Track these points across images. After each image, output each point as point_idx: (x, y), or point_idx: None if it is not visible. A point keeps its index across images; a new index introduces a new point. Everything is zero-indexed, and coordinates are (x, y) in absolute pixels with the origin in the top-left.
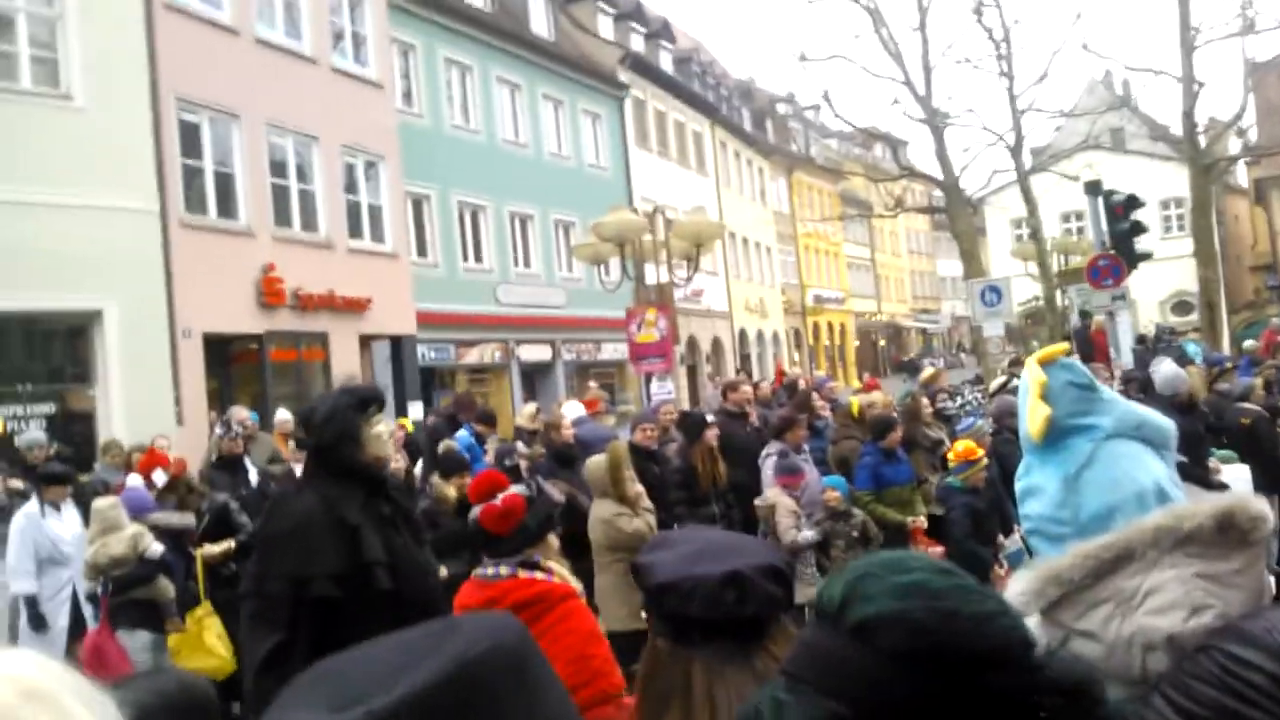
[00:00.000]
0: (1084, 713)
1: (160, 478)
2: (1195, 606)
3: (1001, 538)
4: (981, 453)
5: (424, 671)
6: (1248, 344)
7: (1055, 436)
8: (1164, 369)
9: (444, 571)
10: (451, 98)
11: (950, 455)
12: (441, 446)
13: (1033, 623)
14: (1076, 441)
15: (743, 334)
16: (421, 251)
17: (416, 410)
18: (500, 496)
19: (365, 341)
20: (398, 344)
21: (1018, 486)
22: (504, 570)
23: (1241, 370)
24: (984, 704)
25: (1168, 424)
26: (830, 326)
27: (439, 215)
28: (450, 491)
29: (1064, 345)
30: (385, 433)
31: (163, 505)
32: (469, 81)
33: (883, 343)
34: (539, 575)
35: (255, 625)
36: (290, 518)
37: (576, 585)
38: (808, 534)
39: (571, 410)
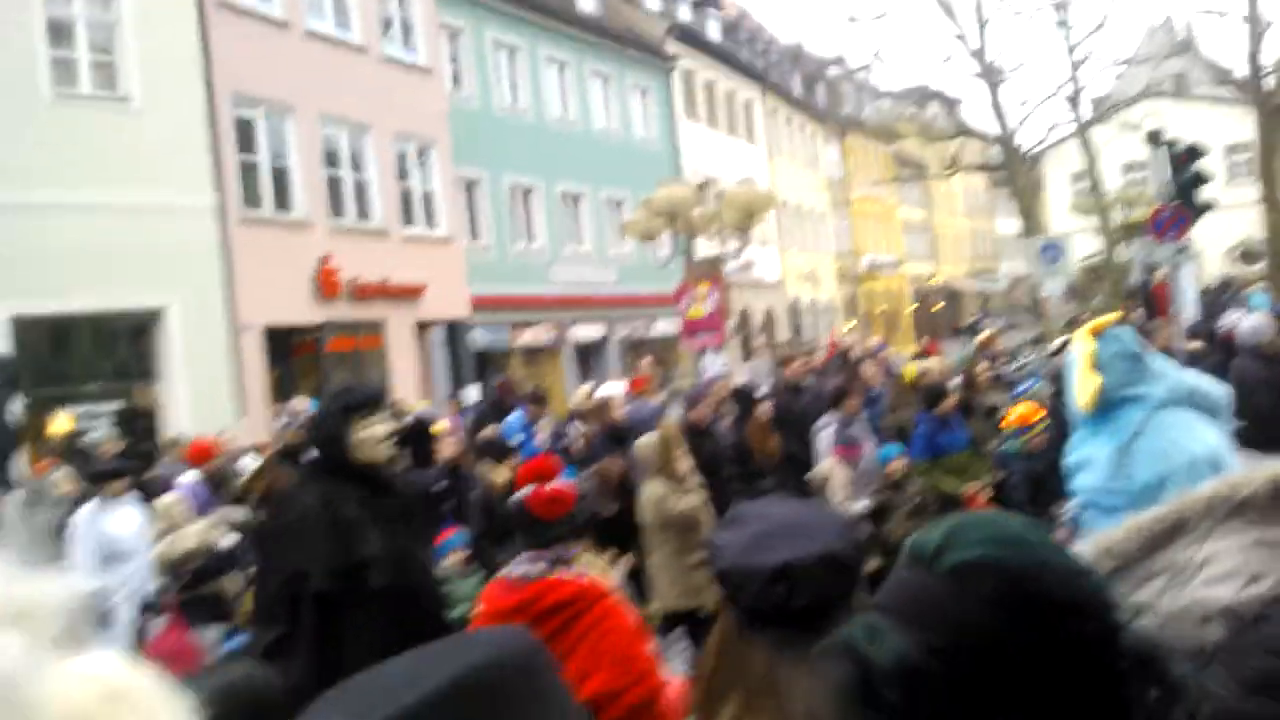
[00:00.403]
0: (1155, 677)
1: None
2: (1252, 575)
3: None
4: (1040, 415)
5: (435, 679)
6: None
7: (1106, 407)
8: (1251, 318)
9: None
10: (500, 79)
11: (1006, 419)
12: (482, 433)
13: None
14: (1127, 412)
15: (796, 304)
16: (474, 235)
17: (472, 395)
18: (550, 484)
19: (421, 327)
20: (453, 329)
21: (1069, 460)
22: (535, 570)
23: None
24: (1065, 652)
25: (1219, 391)
26: (886, 291)
27: (490, 197)
28: (501, 476)
29: (1114, 315)
30: (382, 433)
31: (220, 499)
32: (517, 62)
33: (940, 306)
34: (572, 574)
35: (257, 619)
36: (289, 515)
37: (612, 581)
38: (860, 503)
39: (612, 390)
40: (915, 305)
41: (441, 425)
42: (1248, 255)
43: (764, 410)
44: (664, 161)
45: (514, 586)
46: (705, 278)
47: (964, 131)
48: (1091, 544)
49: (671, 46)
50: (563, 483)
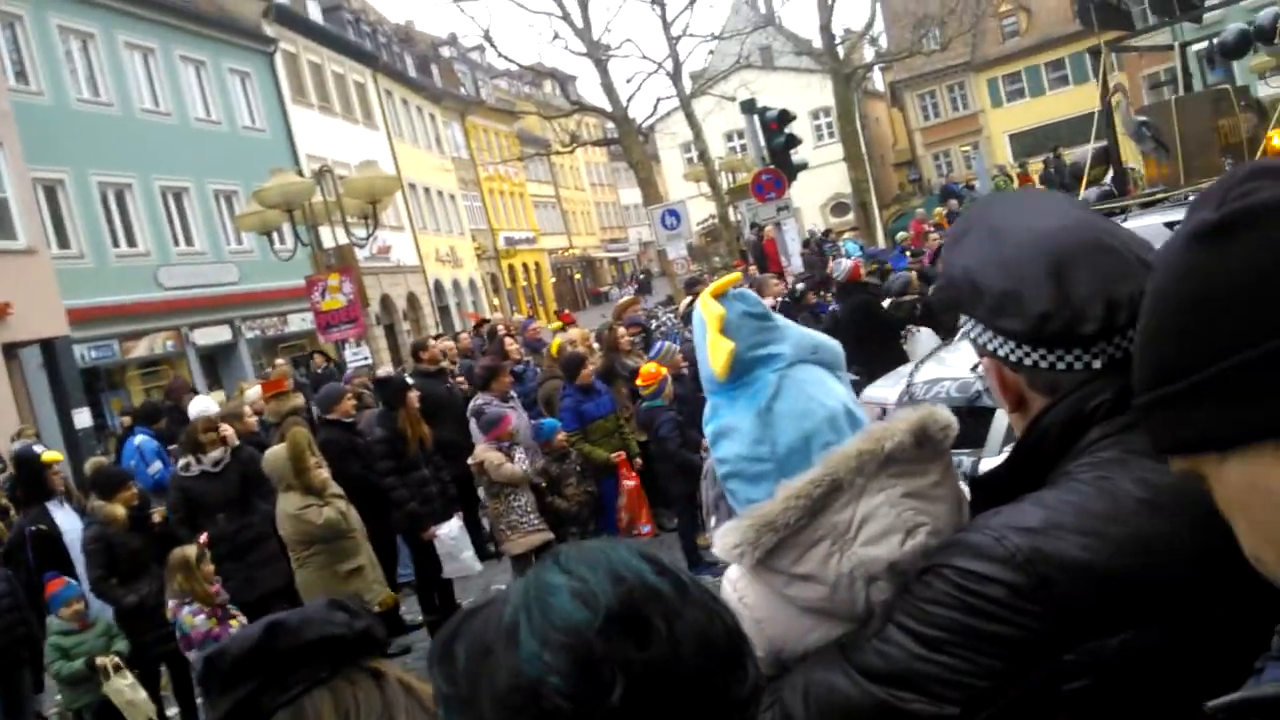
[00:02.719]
0: (741, 678)
1: None
2: (909, 527)
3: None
4: (665, 371)
5: None
6: (900, 235)
7: (739, 371)
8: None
9: (130, 599)
10: (75, 70)
11: (639, 381)
12: (89, 465)
13: (739, 574)
14: (761, 373)
15: (438, 285)
16: (63, 243)
17: (84, 418)
18: None
19: (10, 350)
20: (50, 348)
21: (707, 431)
22: None
23: (895, 259)
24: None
25: (838, 345)
26: (525, 267)
27: (77, 200)
28: (118, 510)
29: (735, 276)
30: None
31: None
32: (92, 50)
33: (578, 276)
34: None
35: None
36: None
37: None
38: (524, 465)
39: (197, 407)
40: (555, 277)
41: (53, 455)
42: (838, 208)
43: (413, 398)
44: (277, 150)
45: None
46: (336, 268)
47: (580, 108)
48: (749, 519)
49: (270, 29)
50: None
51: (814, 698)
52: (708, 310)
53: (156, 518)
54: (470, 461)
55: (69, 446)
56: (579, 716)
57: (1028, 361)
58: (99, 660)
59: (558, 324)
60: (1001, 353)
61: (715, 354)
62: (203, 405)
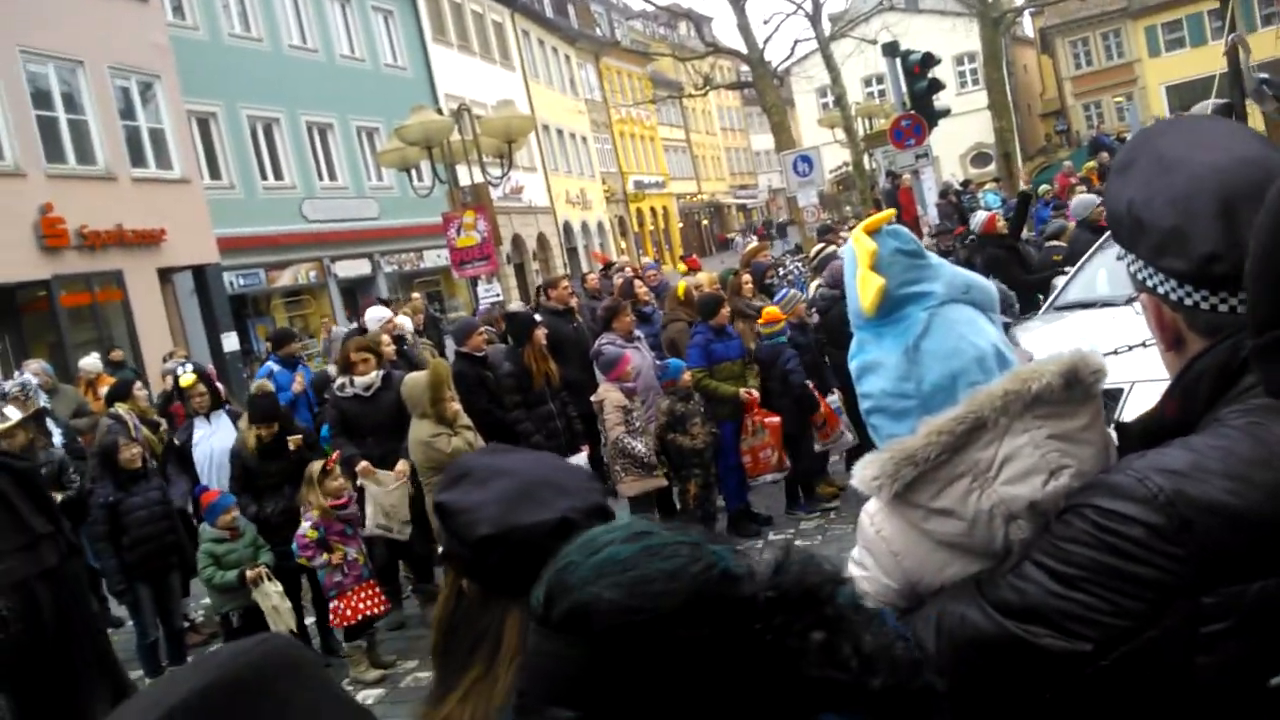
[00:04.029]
0: (815, 621)
1: None
2: (1052, 469)
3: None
4: (783, 316)
5: (187, 686)
6: (1043, 188)
7: (889, 308)
8: (1079, 197)
9: (251, 509)
10: (227, 5)
11: (760, 322)
12: (255, 387)
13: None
14: (911, 311)
15: (567, 227)
16: (215, 174)
17: (231, 342)
18: None
19: (165, 275)
20: (201, 274)
21: (852, 366)
22: None
23: (1038, 214)
24: (710, 650)
25: (992, 287)
26: (654, 211)
27: (229, 133)
28: (250, 437)
29: (889, 213)
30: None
31: None
32: None
33: (706, 222)
34: None
35: None
36: None
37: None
38: (637, 445)
39: (373, 317)
40: (682, 222)
41: (189, 379)
42: (979, 158)
43: (540, 335)
44: (417, 88)
45: None
46: (471, 206)
47: (715, 50)
48: (889, 452)
49: None
50: None
51: (946, 629)
52: (860, 246)
53: (292, 446)
54: (593, 400)
55: (217, 369)
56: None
57: (1188, 301)
58: (249, 572)
59: (683, 269)
60: (1162, 291)
61: (865, 289)
62: (379, 315)
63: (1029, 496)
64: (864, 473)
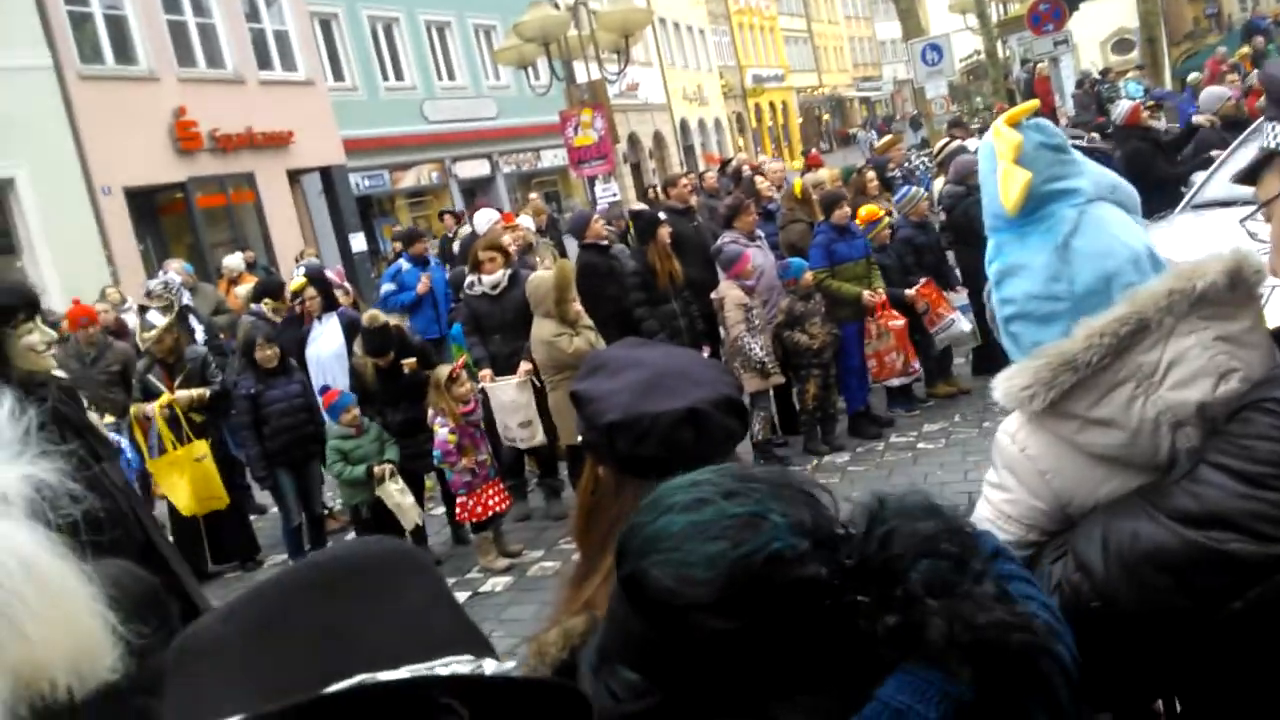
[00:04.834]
0: (890, 604)
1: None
2: (1221, 372)
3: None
4: (882, 213)
5: (313, 561)
6: (1192, 76)
7: (1034, 205)
8: (1209, 89)
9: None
10: None
11: (858, 220)
12: (366, 318)
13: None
14: (1057, 208)
15: (684, 124)
16: (338, 76)
17: (359, 242)
18: None
19: (294, 177)
20: (328, 175)
21: (990, 270)
22: None
23: (1183, 105)
24: (754, 643)
25: (1133, 189)
26: (772, 106)
27: (350, 34)
28: (368, 364)
29: (1033, 103)
30: (40, 341)
31: None
32: None
33: (826, 117)
34: None
35: None
36: None
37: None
38: (754, 346)
39: (483, 219)
40: (801, 118)
41: (299, 283)
42: (1121, 44)
43: (664, 233)
44: None
45: None
46: (588, 104)
47: None
48: (1044, 358)
49: None
50: None
51: (1115, 547)
52: (1002, 139)
53: (407, 370)
54: (713, 296)
55: (346, 269)
56: None
57: None
58: (376, 468)
59: (802, 165)
60: None
61: (1008, 185)
62: (488, 216)
63: (1199, 399)
64: (1011, 383)
